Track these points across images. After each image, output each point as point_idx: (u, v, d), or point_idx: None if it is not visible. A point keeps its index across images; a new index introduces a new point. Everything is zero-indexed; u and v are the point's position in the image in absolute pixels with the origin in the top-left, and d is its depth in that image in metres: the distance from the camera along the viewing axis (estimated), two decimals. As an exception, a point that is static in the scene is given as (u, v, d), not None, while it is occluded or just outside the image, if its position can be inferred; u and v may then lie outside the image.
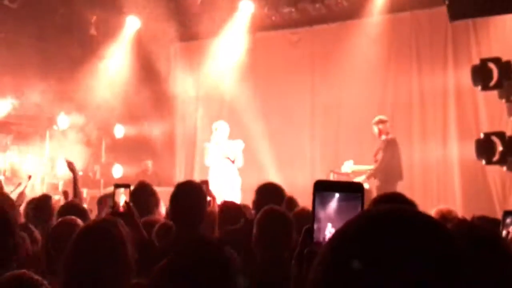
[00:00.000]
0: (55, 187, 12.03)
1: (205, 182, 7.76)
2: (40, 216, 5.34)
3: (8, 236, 2.89)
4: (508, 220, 2.59)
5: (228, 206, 5.18)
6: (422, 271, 0.82)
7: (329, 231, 1.23)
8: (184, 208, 3.80)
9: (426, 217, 0.90)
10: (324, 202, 1.23)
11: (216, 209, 5.21)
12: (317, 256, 0.93)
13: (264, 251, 3.51)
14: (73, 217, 4.01)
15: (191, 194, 3.90)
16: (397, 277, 0.82)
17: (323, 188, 1.25)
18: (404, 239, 0.85)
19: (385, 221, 0.88)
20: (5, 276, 2.06)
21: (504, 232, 2.58)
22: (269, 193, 4.71)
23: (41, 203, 5.70)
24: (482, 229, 2.59)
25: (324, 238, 1.23)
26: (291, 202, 5.58)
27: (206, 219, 4.06)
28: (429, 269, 0.82)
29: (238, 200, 8.62)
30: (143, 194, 5.17)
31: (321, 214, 1.23)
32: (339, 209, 1.22)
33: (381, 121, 9.73)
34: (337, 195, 1.23)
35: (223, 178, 9.79)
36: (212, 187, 8.95)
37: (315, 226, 1.25)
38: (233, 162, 9.97)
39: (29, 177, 9.00)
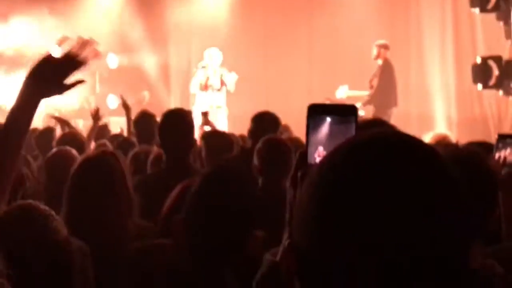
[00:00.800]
0: (51, 119, 12.01)
1: (205, 114, 7.79)
2: (42, 148, 5.37)
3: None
4: (501, 144, 2.61)
5: (215, 135, 5.19)
6: (408, 197, 0.81)
7: (321, 153, 1.22)
8: (172, 136, 3.80)
9: (414, 141, 0.89)
10: (318, 126, 1.23)
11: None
12: (307, 178, 0.93)
13: (266, 179, 3.54)
14: (68, 148, 4.03)
15: (178, 122, 3.89)
16: (380, 203, 0.81)
17: (317, 112, 1.24)
18: (389, 163, 0.84)
19: (373, 145, 0.87)
20: (12, 207, 2.06)
21: (496, 155, 2.60)
22: (265, 122, 4.70)
23: (44, 135, 5.72)
24: (466, 152, 2.61)
25: (315, 161, 1.23)
26: (286, 129, 5.62)
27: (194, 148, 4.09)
28: (414, 193, 0.81)
29: (224, 129, 8.66)
30: (145, 123, 5.21)
31: (315, 138, 1.23)
32: (332, 133, 1.21)
33: (384, 46, 9.69)
34: (330, 118, 1.22)
35: (208, 106, 9.80)
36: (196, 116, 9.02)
37: (309, 150, 1.24)
38: (219, 89, 9.96)
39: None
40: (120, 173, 2.85)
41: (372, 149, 0.86)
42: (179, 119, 3.93)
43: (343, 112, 1.22)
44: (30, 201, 2.15)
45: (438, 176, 0.85)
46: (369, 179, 0.83)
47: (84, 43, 1.91)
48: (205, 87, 10.04)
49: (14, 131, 1.84)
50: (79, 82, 1.96)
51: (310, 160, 1.24)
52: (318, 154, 1.22)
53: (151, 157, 4.19)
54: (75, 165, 2.92)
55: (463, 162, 1.98)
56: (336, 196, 0.84)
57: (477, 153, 2.39)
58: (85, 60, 1.93)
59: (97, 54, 1.96)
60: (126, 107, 6.97)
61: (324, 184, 0.87)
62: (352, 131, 1.19)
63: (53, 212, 2.06)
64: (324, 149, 1.22)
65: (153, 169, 4.06)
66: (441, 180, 0.84)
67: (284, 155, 3.52)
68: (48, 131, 6.03)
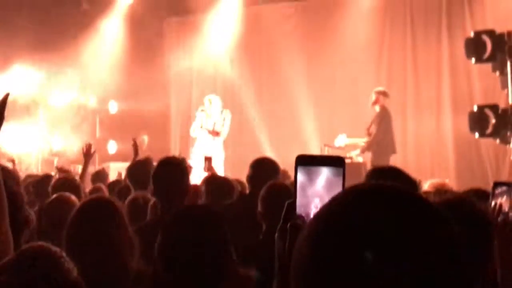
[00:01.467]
0: (50, 163, 12.02)
1: (209, 159, 7.81)
2: (39, 196, 5.34)
3: (17, 210, 2.92)
4: (497, 191, 2.62)
5: (216, 180, 5.19)
6: (406, 249, 0.83)
7: (315, 205, 1.24)
8: (164, 184, 3.83)
9: (414, 195, 0.92)
10: (306, 176, 1.25)
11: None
12: (303, 230, 0.94)
13: (270, 226, 3.54)
14: (67, 193, 4.04)
15: (171, 170, 3.92)
16: (381, 254, 0.83)
17: (305, 162, 1.26)
18: (388, 215, 0.86)
19: (371, 197, 0.90)
20: (24, 249, 2.08)
21: (493, 203, 2.61)
22: (264, 168, 4.71)
23: (41, 183, 5.70)
24: (461, 199, 2.63)
25: (307, 213, 1.24)
26: (284, 175, 5.63)
27: (192, 193, 4.09)
28: (414, 246, 0.84)
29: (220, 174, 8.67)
30: (140, 169, 5.19)
31: (303, 188, 1.25)
32: (321, 183, 1.24)
33: (383, 93, 9.75)
34: (318, 169, 1.24)
35: (206, 151, 9.83)
36: (195, 159, 9.07)
37: (298, 200, 1.27)
38: (218, 134, 10.03)
39: (12, 161, 8.92)
40: (120, 217, 2.87)
41: (366, 206, 0.88)
42: (172, 167, 3.97)
43: (331, 163, 1.25)
44: (41, 242, 2.16)
45: (435, 233, 0.87)
46: (365, 236, 0.85)
47: None
48: (205, 132, 10.12)
49: None
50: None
51: (298, 211, 1.26)
52: (315, 206, 1.24)
53: (150, 203, 4.19)
54: (75, 210, 2.95)
55: (457, 210, 2.00)
56: (334, 252, 0.86)
57: (471, 201, 2.41)
58: None
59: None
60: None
61: (321, 239, 0.89)
62: (340, 182, 1.22)
63: (64, 253, 2.07)
64: (315, 200, 1.24)
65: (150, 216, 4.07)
66: (438, 239, 0.86)
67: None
68: (46, 178, 6.01)
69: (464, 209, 2.15)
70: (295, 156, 1.28)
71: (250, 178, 4.70)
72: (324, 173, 1.24)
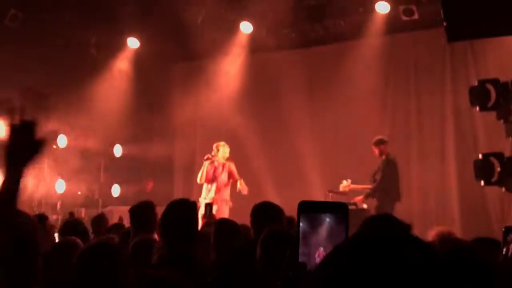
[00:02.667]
0: (53, 207, 12.00)
1: (209, 205, 7.78)
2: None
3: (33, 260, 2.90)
4: (509, 237, 2.58)
5: (226, 225, 5.15)
6: None
7: (318, 254, 1.22)
8: (173, 225, 3.79)
9: (415, 242, 0.92)
10: (309, 224, 1.23)
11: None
12: (310, 279, 0.95)
13: (268, 270, 3.49)
14: (73, 237, 4.01)
15: (181, 212, 3.89)
16: None
17: (307, 209, 1.25)
18: (391, 265, 0.86)
19: (373, 246, 0.90)
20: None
21: (504, 250, 2.56)
22: (263, 212, 4.68)
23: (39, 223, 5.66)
24: (466, 248, 2.59)
25: (310, 261, 1.22)
26: (291, 222, 5.58)
27: (201, 238, 4.04)
28: None
29: None
30: (143, 212, 5.15)
31: (306, 236, 1.23)
32: (324, 231, 1.22)
33: (381, 141, 9.76)
34: (321, 216, 1.23)
35: (212, 198, 9.77)
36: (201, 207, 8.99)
37: (301, 247, 1.25)
38: (226, 184, 9.96)
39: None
40: (122, 263, 2.86)
41: (369, 255, 0.88)
42: (182, 210, 3.93)
43: (334, 210, 1.23)
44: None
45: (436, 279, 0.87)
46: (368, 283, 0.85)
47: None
48: (211, 180, 10.03)
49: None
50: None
51: (301, 259, 1.24)
52: (319, 255, 1.23)
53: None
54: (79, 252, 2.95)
55: (462, 259, 1.98)
56: None
57: (476, 250, 2.38)
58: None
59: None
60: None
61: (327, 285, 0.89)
62: (343, 229, 1.20)
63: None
64: (318, 247, 1.22)
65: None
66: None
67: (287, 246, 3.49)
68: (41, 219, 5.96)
69: (469, 258, 2.12)
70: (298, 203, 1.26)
71: (251, 224, 4.67)
72: (327, 221, 1.22)
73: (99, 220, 7.21)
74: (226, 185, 9.98)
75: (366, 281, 0.85)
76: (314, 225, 1.23)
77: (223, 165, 10.04)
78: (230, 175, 10.00)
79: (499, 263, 2.52)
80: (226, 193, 9.99)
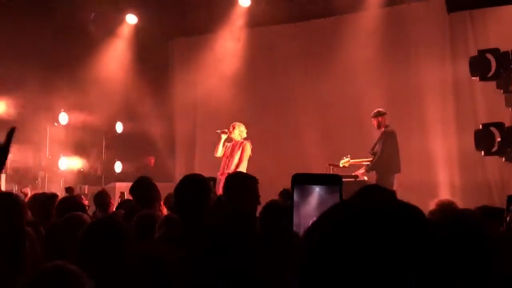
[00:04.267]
0: (57, 183, 12.06)
1: (212, 179, 7.83)
2: (44, 213, 5.35)
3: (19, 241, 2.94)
4: None
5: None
6: (393, 264, 0.85)
7: (309, 223, 1.23)
8: (188, 200, 3.83)
9: (401, 209, 0.93)
10: (303, 195, 1.24)
11: None
12: (298, 248, 0.96)
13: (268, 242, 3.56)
14: (80, 213, 4.05)
15: (195, 186, 3.93)
16: (367, 270, 0.85)
17: (301, 181, 1.26)
18: (374, 231, 0.87)
19: (357, 214, 0.91)
20: (46, 268, 2.11)
21: (508, 218, 2.58)
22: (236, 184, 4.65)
23: (47, 202, 5.70)
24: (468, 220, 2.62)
25: (302, 230, 1.23)
26: (287, 193, 5.65)
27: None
28: (400, 261, 0.85)
29: None
30: (144, 188, 5.20)
31: (299, 207, 1.24)
32: (318, 202, 1.23)
33: (379, 113, 9.73)
34: (315, 188, 1.23)
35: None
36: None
37: (294, 218, 1.26)
38: (240, 161, 10.01)
39: (25, 192, 8.98)
40: (126, 238, 2.93)
41: (354, 222, 0.89)
42: (195, 184, 3.97)
43: (328, 182, 1.24)
44: (62, 261, 2.19)
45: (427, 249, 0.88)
46: (353, 257, 0.86)
47: None
48: (228, 156, 10.11)
49: None
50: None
51: (296, 229, 1.26)
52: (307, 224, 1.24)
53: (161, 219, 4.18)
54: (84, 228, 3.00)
55: (460, 227, 2.01)
56: (322, 265, 0.88)
57: (474, 218, 2.40)
58: None
59: None
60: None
61: (310, 258, 0.90)
62: (337, 200, 1.21)
63: (84, 273, 2.10)
64: (311, 218, 1.23)
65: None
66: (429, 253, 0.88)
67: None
68: (52, 198, 5.99)
69: (466, 227, 2.15)
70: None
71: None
72: (321, 192, 1.23)
73: (101, 195, 7.28)
74: (240, 161, 10.02)
75: (352, 248, 0.86)
76: (308, 196, 1.24)
77: (240, 144, 10.07)
78: (240, 154, 10.05)
79: (500, 232, 2.55)
80: (242, 169, 10.01)
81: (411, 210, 0.93)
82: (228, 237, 2.36)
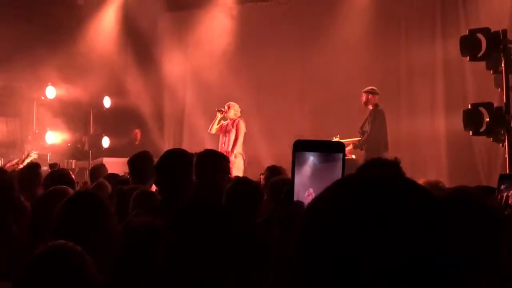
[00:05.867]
0: (43, 158, 11.98)
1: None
2: (27, 184, 5.30)
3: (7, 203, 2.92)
4: (503, 186, 2.59)
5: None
6: (398, 239, 0.82)
7: (309, 191, 1.20)
8: (169, 174, 3.81)
9: (404, 182, 0.90)
10: (304, 163, 1.19)
11: None
12: (298, 220, 0.92)
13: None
14: (64, 186, 4.03)
15: (176, 161, 3.90)
16: (369, 246, 0.82)
17: (302, 148, 1.21)
18: (379, 205, 0.84)
19: (362, 187, 0.88)
20: (46, 247, 2.10)
21: (499, 197, 2.58)
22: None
23: (30, 171, 5.67)
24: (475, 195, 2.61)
25: (304, 199, 1.20)
26: (275, 169, 5.68)
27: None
28: (407, 235, 0.82)
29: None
30: (142, 162, 5.17)
31: (301, 175, 1.20)
32: (320, 171, 1.19)
33: (371, 91, 9.75)
34: (316, 155, 1.19)
35: (226, 152, 10.04)
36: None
37: (296, 186, 1.21)
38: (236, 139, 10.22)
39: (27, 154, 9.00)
40: (105, 212, 2.94)
41: (359, 196, 0.86)
42: (177, 159, 3.95)
43: (330, 149, 1.19)
44: (62, 241, 2.17)
45: (435, 222, 0.85)
46: (355, 232, 0.83)
47: None
48: (224, 132, 10.39)
49: None
50: None
51: (297, 197, 1.21)
52: (309, 194, 1.20)
53: (135, 193, 4.14)
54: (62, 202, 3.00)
55: (465, 204, 1.98)
56: (323, 245, 0.85)
57: (479, 194, 2.38)
58: None
59: None
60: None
61: (313, 231, 0.87)
62: (339, 169, 1.17)
63: (84, 252, 2.10)
64: (314, 189, 1.19)
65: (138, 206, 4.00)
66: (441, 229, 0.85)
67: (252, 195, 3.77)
68: (34, 167, 5.94)
69: (472, 203, 2.12)
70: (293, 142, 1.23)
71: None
72: (323, 159, 1.19)
73: (97, 169, 7.26)
74: (236, 139, 10.24)
75: (360, 223, 0.83)
76: (309, 164, 1.20)
77: (234, 121, 10.29)
78: (236, 132, 10.30)
79: (500, 207, 2.54)
80: (239, 147, 10.22)
81: (418, 186, 0.90)
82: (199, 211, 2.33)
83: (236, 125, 10.32)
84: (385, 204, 0.85)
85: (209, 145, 9.95)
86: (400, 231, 0.82)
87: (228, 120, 10.47)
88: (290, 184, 1.24)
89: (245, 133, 10.34)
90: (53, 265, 2.02)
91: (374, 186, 0.88)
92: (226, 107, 10.48)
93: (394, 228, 0.82)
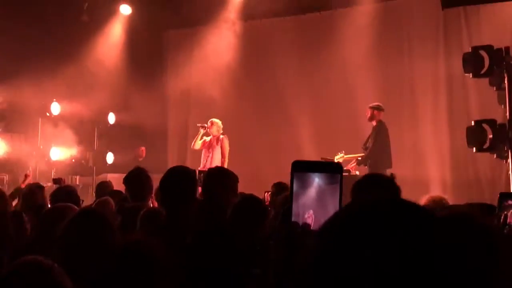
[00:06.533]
0: (48, 174, 12.02)
1: (201, 172, 7.86)
2: (32, 205, 5.33)
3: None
4: (504, 203, 2.60)
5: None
6: (403, 267, 0.85)
7: (309, 213, 1.22)
8: (173, 192, 3.81)
9: (410, 208, 0.93)
10: (303, 182, 1.22)
11: None
12: (309, 246, 0.96)
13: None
14: (69, 204, 4.04)
15: (180, 178, 3.91)
16: (378, 270, 0.85)
17: (301, 169, 1.23)
18: (387, 232, 0.88)
19: (371, 215, 0.92)
20: (17, 263, 2.11)
21: (502, 216, 2.58)
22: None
23: (33, 192, 5.68)
24: (462, 212, 2.61)
25: (303, 219, 1.22)
26: (280, 186, 5.70)
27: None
28: (412, 265, 0.86)
29: None
30: (138, 179, 5.15)
31: (299, 196, 1.23)
32: (317, 190, 1.21)
33: (377, 107, 9.76)
34: (315, 175, 1.21)
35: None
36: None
37: (294, 206, 1.24)
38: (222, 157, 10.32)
39: (26, 175, 9.02)
40: (109, 226, 2.96)
41: (367, 222, 0.90)
42: (181, 176, 3.95)
43: (328, 170, 1.22)
44: (34, 256, 2.17)
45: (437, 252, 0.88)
46: (365, 259, 0.86)
47: None
48: (207, 148, 10.47)
49: None
50: None
51: (296, 218, 1.24)
52: (309, 215, 1.22)
53: (142, 212, 4.13)
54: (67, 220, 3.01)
55: (464, 225, 1.99)
56: (336, 265, 0.88)
57: (477, 216, 2.39)
58: None
59: None
60: None
61: (325, 257, 0.91)
62: (337, 190, 1.19)
63: (56, 265, 2.09)
64: (313, 210, 1.22)
65: (144, 225, 4.00)
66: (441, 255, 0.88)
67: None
68: (37, 188, 5.96)
69: (470, 224, 2.13)
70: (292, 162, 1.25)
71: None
72: (321, 180, 1.21)
73: (103, 186, 7.26)
74: (223, 157, 10.34)
75: (366, 250, 0.87)
76: (307, 185, 1.22)
77: (217, 138, 10.38)
78: (221, 150, 10.39)
79: (499, 227, 2.54)
80: (226, 164, 10.25)
81: (420, 210, 0.94)
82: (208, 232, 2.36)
83: (221, 143, 10.47)
84: (387, 233, 0.88)
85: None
86: (404, 259, 0.86)
87: (211, 136, 10.59)
88: (288, 203, 1.27)
89: (229, 150, 10.52)
90: (22, 282, 2.03)
91: (367, 215, 0.92)
92: (209, 123, 10.60)
93: (397, 257, 0.86)
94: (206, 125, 10.62)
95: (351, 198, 3.09)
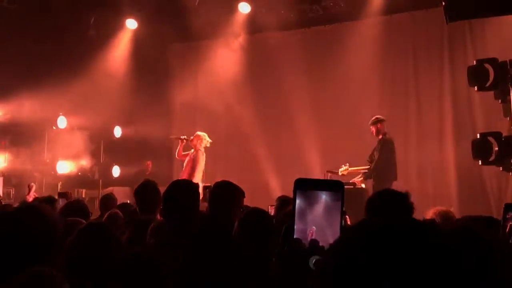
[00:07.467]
0: (54, 187, 12.05)
1: (206, 187, 7.84)
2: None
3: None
4: (508, 215, 2.60)
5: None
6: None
7: (312, 231, 1.25)
8: (176, 205, 3.82)
9: (419, 229, 0.96)
10: (305, 201, 1.25)
11: None
12: (322, 265, 1.00)
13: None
14: (79, 219, 4.06)
15: (183, 192, 3.92)
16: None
17: (303, 186, 1.26)
18: (397, 252, 0.92)
19: (382, 235, 0.95)
20: (25, 274, 2.12)
21: (508, 227, 2.58)
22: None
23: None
24: (482, 233, 2.61)
25: (305, 236, 1.25)
26: (283, 200, 5.68)
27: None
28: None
29: None
30: (148, 192, 5.16)
31: (302, 211, 1.25)
32: (319, 207, 1.24)
33: (378, 120, 9.74)
34: (317, 193, 1.24)
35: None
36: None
37: (296, 223, 1.27)
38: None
39: (30, 186, 9.04)
40: (113, 242, 2.98)
41: (378, 243, 0.94)
42: (184, 189, 3.96)
43: (330, 188, 1.25)
44: (40, 267, 2.19)
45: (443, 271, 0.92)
46: (377, 277, 0.90)
47: None
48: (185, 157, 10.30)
49: None
50: None
51: (297, 235, 1.26)
52: (311, 232, 1.25)
53: (152, 225, 4.14)
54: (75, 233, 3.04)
55: (468, 239, 2.00)
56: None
57: (482, 230, 2.39)
58: None
59: None
60: None
61: (338, 277, 0.94)
62: (338, 207, 1.22)
63: (60, 274, 2.11)
64: (316, 227, 1.24)
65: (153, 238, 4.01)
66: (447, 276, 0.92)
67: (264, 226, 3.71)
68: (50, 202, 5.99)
69: (474, 238, 2.14)
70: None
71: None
72: (323, 198, 1.24)
73: (107, 199, 7.26)
74: (192, 170, 10.13)
75: (376, 270, 0.90)
76: (310, 202, 1.25)
77: (192, 154, 10.21)
78: (193, 163, 10.16)
79: (503, 240, 2.54)
80: (198, 177, 10.06)
81: (428, 229, 0.98)
82: (213, 243, 2.37)
83: (194, 156, 10.19)
84: (396, 252, 0.92)
85: (219, 176, 9.96)
86: (412, 277, 0.90)
87: (193, 149, 10.36)
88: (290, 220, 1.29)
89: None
90: None
91: (389, 234, 0.96)
92: (192, 137, 10.41)
93: (405, 274, 0.90)
94: (183, 137, 10.42)
95: (366, 215, 3.10)
